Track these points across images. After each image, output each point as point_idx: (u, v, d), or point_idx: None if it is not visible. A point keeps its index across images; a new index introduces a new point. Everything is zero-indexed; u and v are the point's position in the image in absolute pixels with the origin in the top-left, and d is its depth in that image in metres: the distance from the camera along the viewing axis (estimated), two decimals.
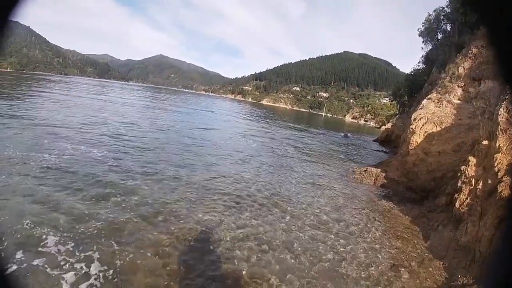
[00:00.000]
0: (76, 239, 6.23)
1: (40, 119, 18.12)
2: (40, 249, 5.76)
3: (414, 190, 14.47)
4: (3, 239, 5.83)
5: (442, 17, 35.71)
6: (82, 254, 5.80)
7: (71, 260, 5.59)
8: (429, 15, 37.98)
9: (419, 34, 39.81)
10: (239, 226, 8.24)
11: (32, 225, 6.39)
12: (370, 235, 9.21)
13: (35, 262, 5.35)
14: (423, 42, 39.96)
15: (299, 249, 7.63)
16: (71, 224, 6.76)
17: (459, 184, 9.56)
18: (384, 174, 16.89)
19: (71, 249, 5.90)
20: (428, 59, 37.32)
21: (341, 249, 8.02)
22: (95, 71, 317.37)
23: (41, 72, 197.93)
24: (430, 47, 38.63)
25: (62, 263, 5.48)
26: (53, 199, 7.85)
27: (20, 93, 31.87)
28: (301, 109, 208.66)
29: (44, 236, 6.12)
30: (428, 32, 38.11)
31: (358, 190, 14.62)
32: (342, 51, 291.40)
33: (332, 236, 8.69)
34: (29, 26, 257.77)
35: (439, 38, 36.89)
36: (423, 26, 39.04)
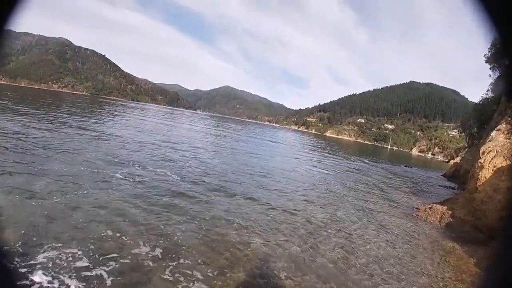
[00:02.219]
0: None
1: (123, 137, 20.00)
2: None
3: (481, 230, 13.35)
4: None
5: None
6: None
7: None
8: (495, 39, 35.91)
9: (486, 60, 37.59)
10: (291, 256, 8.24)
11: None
12: (431, 277, 8.73)
13: None
14: (490, 68, 37.57)
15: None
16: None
17: None
18: (450, 212, 15.91)
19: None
20: (497, 86, 34.94)
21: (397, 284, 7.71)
22: (165, 99, 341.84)
23: (114, 98, 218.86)
24: (498, 73, 36.18)
25: None
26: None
27: (102, 114, 35.33)
28: (366, 142, 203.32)
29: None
30: (495, 58, 35.85)
31: (421, 229, 14.00)
32: (407, 81, 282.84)
33: (391, 276, 8.37)
34: (104, 55, 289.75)
35: (507, 63, 34.51)
36: (489, 51, 36.84)
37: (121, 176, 13.23)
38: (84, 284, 5.70)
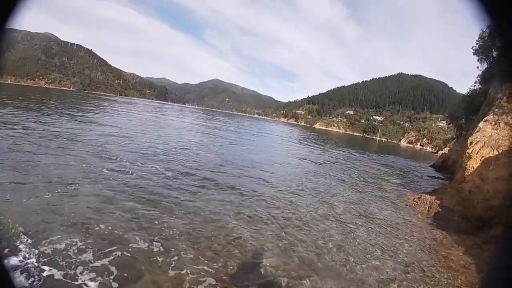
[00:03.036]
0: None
1: (110, 131, 19.80)
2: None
3: (470, 219, 13.56)
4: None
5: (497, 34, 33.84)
6: None
7: None
8: (483, 31, 36.12)
9: (473, 52, 37.87)
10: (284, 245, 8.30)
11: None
12: (419, 265, 8.83)
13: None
14: (478, 60, 37.90)
15: (346, 276, 7.54)
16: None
17: None
18: (438, 202, 16.10)
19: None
20: (484, 78, 35.28)
21: (387, 277, 7.81)
22: (153, 93, 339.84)
23: (102, 92, 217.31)
24: (485, 65, 36.53)
25: None
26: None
27: (90, 110, 34.91)
28: (355, 133, 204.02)
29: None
30: (482, 50, 36.15)
31: (410, 218, 14.08)
32: (396, 73, 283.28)
33: (378, 264, 8.46)
34: (91, 49, 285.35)
35: (494, 56, 34.85)
36: (477, 43, 37.13)
37: (109, 171, 13.16)
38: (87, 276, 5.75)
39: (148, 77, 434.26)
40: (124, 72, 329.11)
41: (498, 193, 13.22)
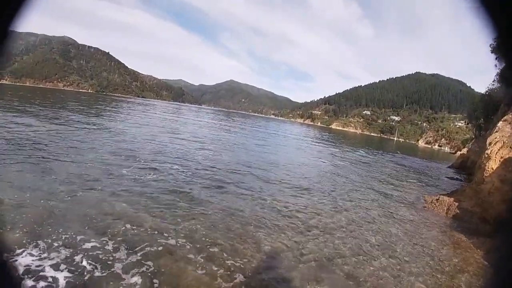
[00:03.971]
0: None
1: (136, 134, 20.25)
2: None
3: (489, 221, 13.33)
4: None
5: None
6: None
7: None
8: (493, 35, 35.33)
9: (491, 50, 37.09)
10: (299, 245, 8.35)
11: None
12: (437, 268, 8.78)
13: None
14: (496, 59, 37.06)
15: (361, 279, 7.56)
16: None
17: None
18: (457, 204, 15.87)
19: None
20: (503, 77, 34.49)
21: (405, 280, 7.82)
22: (170, 95, 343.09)
23: (120, 94, 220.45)
24: (504, 64, 35.65)
25: None
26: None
27: (109, 111, 35.62)
28: (372, 134, 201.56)
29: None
30: (500, 48, 35.35)
31: (428, 220, 13.99)
32: (413, 72, 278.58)
33: (397, 267, 8.47)
34: (108, 52, 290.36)
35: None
36: (494, 41, 36.36)
37: (132, 172, 13.57)
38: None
39: (164, 79, 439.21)
40: (141, 74, 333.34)
41: None
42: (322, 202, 14.13)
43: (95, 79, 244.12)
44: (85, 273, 5.93)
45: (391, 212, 14.38)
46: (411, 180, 26.01)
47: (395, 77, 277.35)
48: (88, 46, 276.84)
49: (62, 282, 5.59)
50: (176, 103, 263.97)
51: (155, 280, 6.11)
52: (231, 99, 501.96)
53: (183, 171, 15.21)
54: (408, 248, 10.09)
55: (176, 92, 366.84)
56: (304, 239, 9.42)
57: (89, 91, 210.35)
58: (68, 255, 6.34)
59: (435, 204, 16.50)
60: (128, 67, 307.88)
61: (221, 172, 16.22)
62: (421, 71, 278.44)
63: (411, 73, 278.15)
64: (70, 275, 5.81)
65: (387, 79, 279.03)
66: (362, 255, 8.90)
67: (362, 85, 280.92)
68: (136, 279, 6.06)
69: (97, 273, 6.00)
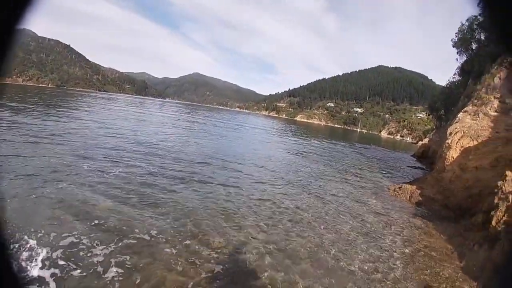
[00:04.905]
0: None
1: (94, 130, 19.30)
2: None
3: (450, 207, 13.82)
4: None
5: (475, 27, 34.43)
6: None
7: None
8: (462, 24, 36.77)
9: (453, 45, 38.55)
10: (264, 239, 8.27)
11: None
12: (402, 254, 8.92)
13: None
14: (457, 53, 38.62)
15: (329, 266, 7.54)
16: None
17: (495, 201, 9.09)
18: (419, 191, 16.34)
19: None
20: (463, 70, 35.93)
21: (371, 265, 7.87)
22: (132, 88, 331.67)
23: (81, 89, 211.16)
24: (464, 58, 37.22)
25: None
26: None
27: (68, 107, 33.95)
28: (336, 125, 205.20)
29: None
30: (462, 43, 36.79)
31: (391, 208, 14.22)
32: (376, 65, 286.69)
33: (363, 253, 8.51)
34: (69, 45, 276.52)
35: (473, 48, 35.55)
36: (456, 36, 37.80)
37: (93, 169, 12.86)
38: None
39: (127, 72, 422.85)
40: (103, 67, 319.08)
41: (478, 182, 13.50)
42: (289, 193, 14.09)
43: (56, 73, 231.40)
44: (64, 270, 5.78)
45: (355, 201, 14.56)
46: (375, 170, 26.63)
47: (359, 70, 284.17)
48: (48, 39, 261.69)
49: (47, 280, 5.47)
50: (139, 97, 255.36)
51: (131, 273, 6.06)
52: (195, 92, 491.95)
53: (149, 165, 14.68)
54: (371, 234, 10.23)
55: (139, 86, 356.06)
56: (273, 230, 9.34)
57: (50, 86, 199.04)
58: (45, 253, 6.17)
59: (398, 192, 16.89)
60: (90, 60, 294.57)
61: (186, 166, 15.79)
62: (384, 64, 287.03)
63: (374, 66, 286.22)
64: (49, 272, 5.66)
65: (350, 72, 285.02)
66: (329, 245, 8.90)
67: (326, 77, 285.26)
68: (113, 274, 5.95)
69: (74, 269, 5.87)
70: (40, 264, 5.82)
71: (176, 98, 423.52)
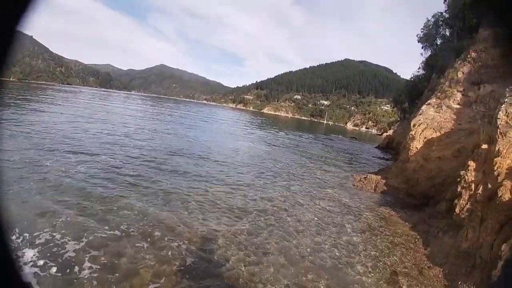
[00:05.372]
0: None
1: (47, 126, 18.19)
2: None
3: (415, 196, 14.24)
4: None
5: (440, 23, 35.67)
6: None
7: None
8: (428, 20, 37.99)
9: (418, 40, 39.82)
10: (236, 232, 8.12)
11: None
12: (368, 242, 9.01)
13: None
14: (422, 48, 39.93)
15: (296, 257, 7.47)
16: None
17: (458, 190, 9.38)
18: (384, 181, 16.68)
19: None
20: (427, 65, 37.18)
21: (338, 254, 7.88)
22: (97, 81, 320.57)
23: (43, 82, 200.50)
24: (429, 52, 38.55)
25: None
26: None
27: (29, 101, 32.07)
28: (302, 117, 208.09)
29: None
30: (427, 38, 38.05)
31: (357, 197, 14.37)
32: (342, 59, 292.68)
33: (328, 243, 8.51)
34: (31, 36, 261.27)
35: (438, 43, 36.86)
36: (422, 31, 39.06)
37: (56, 164, 12.11)
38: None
39: (91, 64, 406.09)
40: (66, 59, 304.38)
41: (441, 171, 13.97)
42: (255, 185, 13.86)
43: (18, 66, 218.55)
44: (42, 269, 5.53)
45: (321, 191, 14.55)
46: (340, 160, 26.95)
47: (325, 63, 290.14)
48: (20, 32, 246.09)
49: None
50: (103, 89, 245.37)
51: (104, 269, 5.86)
52: (161, 84, 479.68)
53: (113, 160, 13.88)
54: (337, 224, 10.27)
55: (104, 78, 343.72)
56: (238, 222, 9.15)
57: (12, 79, 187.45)
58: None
59: (363, 182, 17.14)
60: (53, 51, 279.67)
61: (152, 160, 15.05)
62: (350, 58, 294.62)
63: (340, 59, 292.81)
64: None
65: (317, 65, 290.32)
66: (295, 235, 8.85)
67: (294, 70, 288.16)
68: (88, 271, 5.73)
69: (50, 268, 5.59)
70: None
71: (142, 90, 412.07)
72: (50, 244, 6.28)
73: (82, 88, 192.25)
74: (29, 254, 5.82)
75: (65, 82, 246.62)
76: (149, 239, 7.13)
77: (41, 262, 5.64)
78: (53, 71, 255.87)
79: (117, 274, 5.72)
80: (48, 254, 5.93)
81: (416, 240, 9.41)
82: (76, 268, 5.69)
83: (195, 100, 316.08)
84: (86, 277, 5.53)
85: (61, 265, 5.70)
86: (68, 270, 5.60)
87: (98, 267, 5.84)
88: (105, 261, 6.05)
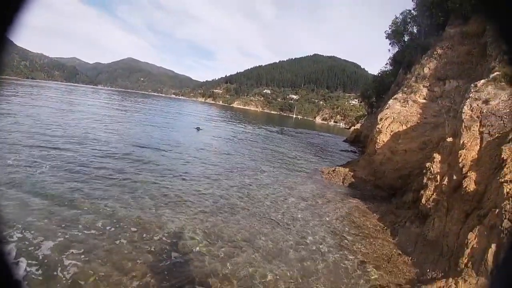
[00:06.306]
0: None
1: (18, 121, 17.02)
2: None
3: (382, 188, 14.59)
4: None
5: (409, 20, 36.60)
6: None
7: None
8: (396, 18, 38.87)
9: (386, 36, 40.60)
10: (208, 227, 7.96)
11: None
12: (337, 233, 9.10)
13: None
14: (390, 44, 40.80)
15: (267, 247, 7.43)
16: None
17: (424, 181, 9.64)
18: (352, 174, 16.96)
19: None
20: (395, 60, 38.04)
21: (307, 247, 7.90)
22: (62, 75, 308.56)
23: (7, 76, 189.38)
24: (397, 49, 39.44)
25: None
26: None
27: None
28: (272, 112, 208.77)
29: None
30: (395, 35, 38.91)
31: (326, 190, 14.52)
32: (312, 54, 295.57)
33: (298, 234, 8.52)
34: None
35: (405, 40, 37.81)
36: (390, 28, 39.88)
37: (20, 163, 11.39)
38: None
39: (57, 57, 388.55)
40: (31, 52, 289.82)
41: (407, 163, 14.37)
42: (224, 181, 13.54)
43: None
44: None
45: (289, 184, 14.58)
46: (309, 154, 27.22)
47: (295, 58, 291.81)
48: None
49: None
50: (69, 83, 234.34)
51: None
52: (129, 78, 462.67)
53: (78, 157, 13.18)
54: (307, 216, 10.32)
55: (70, 72, 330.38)
56: (209, 218, 8.96)
57: None
58: None
59: (331, 175, 17.35)
60: (17, 44, 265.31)
61: (120, 157, 14.35)
62: (319, 53, 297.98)
63: (309, 54, 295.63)
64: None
65: (287, 60, 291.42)
66: (264, 229, 8.80)
67: (263, 64, 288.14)
68: (71, 268, 5.63)
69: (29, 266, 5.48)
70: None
71: (109, 84, 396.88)
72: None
73: (47, 82, 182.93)
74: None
75: (30, 76, 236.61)
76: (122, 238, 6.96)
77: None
78: (17, 65, 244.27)
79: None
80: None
81: (384, 229, 9.61)
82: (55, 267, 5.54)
83: (164, 95, 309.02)
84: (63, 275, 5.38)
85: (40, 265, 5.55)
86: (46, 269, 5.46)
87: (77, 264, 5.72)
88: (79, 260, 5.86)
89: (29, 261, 5.55)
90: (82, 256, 5.99)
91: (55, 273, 5.39)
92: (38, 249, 5.95)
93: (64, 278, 5.31)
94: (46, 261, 5.65)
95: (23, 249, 5.84)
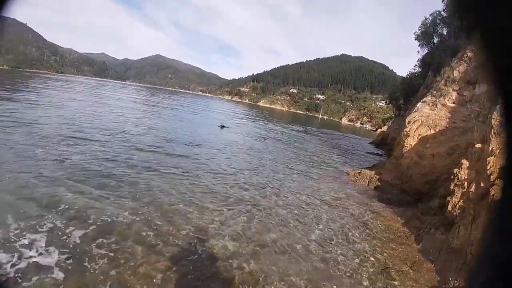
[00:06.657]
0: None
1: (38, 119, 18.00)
2: None
3: (408, 192, 14.43)
4: None
5: (438, 21, 35.79)
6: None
7: None
8: (426, 19, 38.12)
9: (415, 37, 39.91)
10: (230, 225, 8.21)
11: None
12: (361, 237, 9.14)
13: None
14: (419, 45, 40.03)
15: (292, 246, 7.60)
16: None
17: (451, 187, 9.54)
18: (378, 176, 16.86)
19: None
20: (424, 62, 37.29)
21: (331, 249, 7.99)
22: (92, 70, 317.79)
23: (37, 70, 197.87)
24: (426, 50, 38.66)
25: None
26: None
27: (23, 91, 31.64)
28: (298, 111, 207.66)
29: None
30: (424, 36, 38.17)
31: (351, 192, 14.54)
32: (339, 54, 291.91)
33: (323, 236, 8.63)
34: (26, 23, 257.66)
35: (435, 42, 36.99)
36: (419, 29, 39.14)
37: (50, 152, 12.38)
38: None
39: (86, 53, 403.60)
40: (61, 47, 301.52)
41: (434, 168, 14.14)
42: (251, 180, 13.77)
43: (11, 54, 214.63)
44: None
45: (315, 185, 14.72)
46: (335, 155, 27.16)
47: (322, 58, 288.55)
48: (3, 16, 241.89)
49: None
50: (98, 79, 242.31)
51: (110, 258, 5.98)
52: (157, 74, 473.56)
53: (107, 151, 13.76)
54: (332, 218, 10.41)
55: (99, 67, 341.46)
56: (237, 218, 9.21)
57: (5, 67, 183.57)
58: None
59: (357, 177, 17.33)
60: (47, 40, 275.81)
61: (147, 153, 14.90)
62: (347, 53, 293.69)
63: (337, 54, 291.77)
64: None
65: (314, 59, 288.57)
66: (290, 229, 8.97)
67: (290, 64, 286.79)
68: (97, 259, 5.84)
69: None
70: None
71: (137, 80, 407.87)
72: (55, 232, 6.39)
73: (77, 77, 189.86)
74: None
75: (60, 71, 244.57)
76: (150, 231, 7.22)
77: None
78: (48, 59, 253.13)
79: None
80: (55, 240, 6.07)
81: (408, 235, 9.57)
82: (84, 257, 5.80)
83: (191, 91, 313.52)
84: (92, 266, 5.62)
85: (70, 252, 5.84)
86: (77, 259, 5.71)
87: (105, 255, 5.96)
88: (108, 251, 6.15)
89: (61, 250, 5.85)
90: (113, 245, 6.33)
91: (84, 263, 5.65)
92: (69, 238, 6.29)
93: (92, 269, 5.57)
94: (78, 250, 5.96)
95: (54, 240, 6.14)
